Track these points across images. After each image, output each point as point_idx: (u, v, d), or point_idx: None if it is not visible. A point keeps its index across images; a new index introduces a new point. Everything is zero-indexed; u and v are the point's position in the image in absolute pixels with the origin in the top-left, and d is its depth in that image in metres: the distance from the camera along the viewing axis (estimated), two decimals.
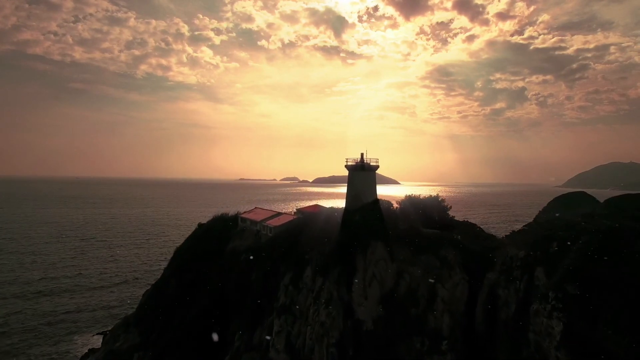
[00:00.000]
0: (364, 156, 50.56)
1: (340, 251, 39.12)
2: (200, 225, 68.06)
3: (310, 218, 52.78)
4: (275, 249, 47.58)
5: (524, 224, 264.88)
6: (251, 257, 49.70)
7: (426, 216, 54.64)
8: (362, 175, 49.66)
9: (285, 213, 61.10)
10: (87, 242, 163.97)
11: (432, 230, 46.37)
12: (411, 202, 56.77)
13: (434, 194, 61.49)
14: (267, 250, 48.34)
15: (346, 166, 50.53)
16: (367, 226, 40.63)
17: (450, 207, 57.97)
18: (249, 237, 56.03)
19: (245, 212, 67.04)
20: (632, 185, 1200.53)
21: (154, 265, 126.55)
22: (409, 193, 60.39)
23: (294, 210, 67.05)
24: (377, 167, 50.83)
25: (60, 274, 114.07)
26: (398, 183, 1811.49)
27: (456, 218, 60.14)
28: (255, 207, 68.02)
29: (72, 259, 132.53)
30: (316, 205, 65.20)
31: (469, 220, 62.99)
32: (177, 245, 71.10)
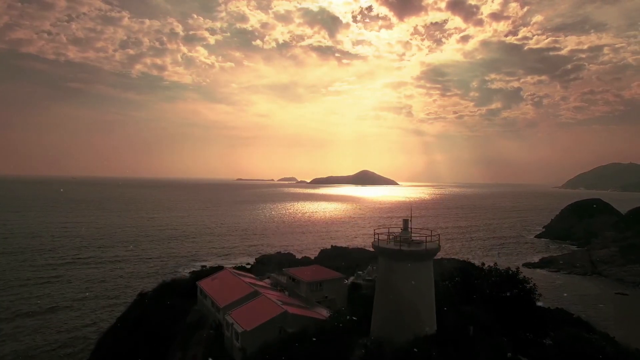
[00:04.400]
0: (409, 225, 26.70)
1: None
2: (141, 296, 46.26)
3: (305, 318, 31.12)
4: None
5: (536, 234, 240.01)
6: None
7: (493, 301, 33.38)
8: (407, 270, 24.70)
9: (265, 292, 38.81)
10: (61, 266, 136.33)
11: None
12: (469, 277, 35.18)
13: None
14: None
15: (375, 246, 27.71)
16: None
17: (536, 290, 36.04)
18: (203, 339, 34.25)
19: (208, 277, 44.48)
20: (632, 186, 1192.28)
21: (118, 306, 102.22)
22: (456, 257, 38.92)
23: (282, 273, 45.47)
24: (438, 249, 26.77)
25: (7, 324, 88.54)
26: (397, 184, 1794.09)
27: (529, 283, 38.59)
28: (225, 269, 45.45)
29: (32, 297, 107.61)
30: (316, 268, 43.61)
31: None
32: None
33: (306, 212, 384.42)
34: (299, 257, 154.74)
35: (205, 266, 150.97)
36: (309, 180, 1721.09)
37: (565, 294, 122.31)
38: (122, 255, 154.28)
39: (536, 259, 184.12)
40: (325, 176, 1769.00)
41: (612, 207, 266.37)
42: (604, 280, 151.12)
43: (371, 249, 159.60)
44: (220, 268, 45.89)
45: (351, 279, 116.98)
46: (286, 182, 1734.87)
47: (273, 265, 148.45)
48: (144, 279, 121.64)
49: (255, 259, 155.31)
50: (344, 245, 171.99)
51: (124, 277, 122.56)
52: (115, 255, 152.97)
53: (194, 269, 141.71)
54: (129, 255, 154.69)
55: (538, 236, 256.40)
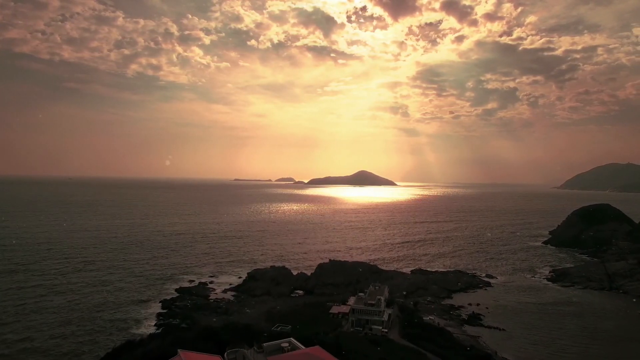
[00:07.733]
0: None
1: None
2: None
3: None
4: None
5: (543, 240, 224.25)
6: None
7: None
8: None
9: None
10: (30, 289, 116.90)
11: None
12: None
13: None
14: None
15: None
16: None
17: None
18: None
19: None
20: (631, 187, 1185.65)
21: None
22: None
23: (262, 351, 32.83)
24: None
25: None
26: (394, 184, 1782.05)
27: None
28: (181, 354, 31.42)
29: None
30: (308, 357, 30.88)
31: None
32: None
33: (303, 218, 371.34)
34: (295, 273, 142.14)
35: (193, 281, 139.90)
36: (306, 181, 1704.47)
37: (593, 324, 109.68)
38: (104, 273, 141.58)
39: (547, 271, 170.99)
40: (322, 176, 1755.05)
41: (623, 213, 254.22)
42: (624, 297, 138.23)
43: (372, 263, 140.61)
44: (173, 352, 33.05)
45: (352, 299, 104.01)
46: (284, 183, 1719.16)
47: (266, 281, 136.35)
48: (122, 309, 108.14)
49: (248, 273, 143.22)
50: (343, 258, 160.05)
51: (93, 318, 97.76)
52: (93, 274, 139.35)
53: (182, 285, 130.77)
54: (112, 272, 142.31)
55: (545, 243, 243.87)
